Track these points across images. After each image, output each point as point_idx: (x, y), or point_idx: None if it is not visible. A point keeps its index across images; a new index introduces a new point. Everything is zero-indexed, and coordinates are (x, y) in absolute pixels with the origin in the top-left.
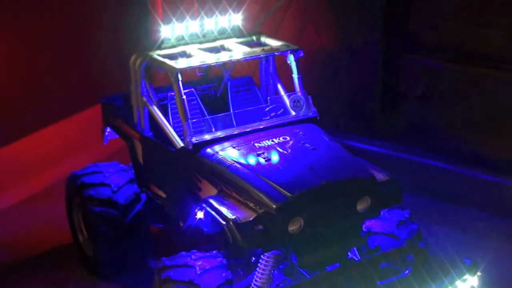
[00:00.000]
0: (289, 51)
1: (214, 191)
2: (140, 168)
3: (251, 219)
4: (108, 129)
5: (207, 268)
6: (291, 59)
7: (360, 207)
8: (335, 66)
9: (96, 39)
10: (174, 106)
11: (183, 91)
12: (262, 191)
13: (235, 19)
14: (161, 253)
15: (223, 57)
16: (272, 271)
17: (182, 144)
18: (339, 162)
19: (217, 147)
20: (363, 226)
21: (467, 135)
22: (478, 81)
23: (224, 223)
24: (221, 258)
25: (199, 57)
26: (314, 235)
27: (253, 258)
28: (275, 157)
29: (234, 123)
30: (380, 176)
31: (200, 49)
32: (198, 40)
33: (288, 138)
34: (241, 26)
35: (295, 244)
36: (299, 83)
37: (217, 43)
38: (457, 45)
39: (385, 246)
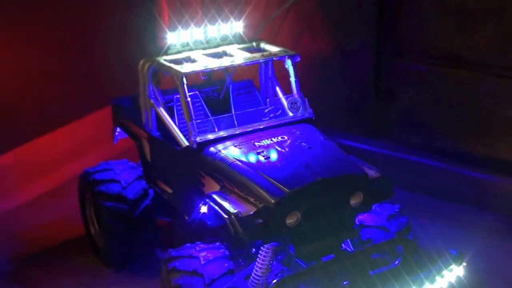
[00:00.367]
0: (286, 56)
1: (217, 187)
2: (148, 166)
3: (252, 213)
4: (118, 129)
5: (210, 258)
6: (288, 64)
7: (353, 201)
8: (330, 70)
9: (106, 46)
10: (180, 107)
11: (188, 94)
12: (261, 187)
13: (236, 26)
14: (168, 244)
15: (225, 62)
16: (271, 262)
17: (187, 143)
18: (333, 160)
19: (219, 146)
20: (356, 219)
21: (453, 134)
22: (463, 83)
23: (226, 217)
24: (223, 250)
25: (202, 62)
26: (310, 228)
27: (253, 250)
28: (274, 155)
29: (236, 123)
30: (372, 173)
31: (203, 54)
32: (202, 46)
33: (286, 138)
34: (242, 33)
35: (293, 236)
36: (296, 86)
37: (219, 49)
38: (444, 50)
39: (377, 238)
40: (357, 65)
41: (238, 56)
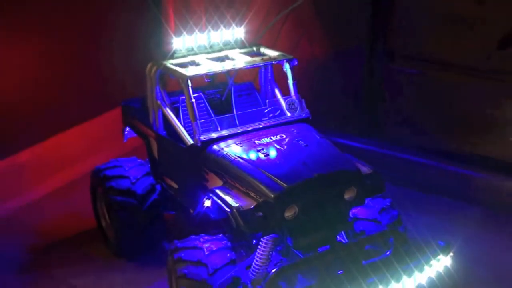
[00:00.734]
0: (285, 60)
1: (219, 183)
2: (155, 163)
3: (252, 206)
4: (127, 129)
5: (214, 249)
6: (287, 67)
7: (347, 196)
8: (326, 73)
9: (116, 51)
10: (185, 108)
11: (192, 95)
12: (261, 182)
13: (238, 32)
14: (174, 236)
15: (228, 65)
16: (270, 252)
17: (191, 142)
18: (329, 157)
19: (222, 144)
20: (350, 212)
21: (442, 133)
22: (451, 86)
23: (228, 210)
24: (226, 241)
25: (206, 66)
26: (307, 220)
27: (254, 241)
28: (273, 153)
29: (237, 123)
30: (365, 169)
31: (207, 58)
32: (205, 51)
33: (284, 136)
34: (243, 39)
35: (291, 229)
36: (294, 88)
37: (222, 53)
38: (434, 54)
39: (369, 230)
40: (351, 68)
41: (240, 60)
